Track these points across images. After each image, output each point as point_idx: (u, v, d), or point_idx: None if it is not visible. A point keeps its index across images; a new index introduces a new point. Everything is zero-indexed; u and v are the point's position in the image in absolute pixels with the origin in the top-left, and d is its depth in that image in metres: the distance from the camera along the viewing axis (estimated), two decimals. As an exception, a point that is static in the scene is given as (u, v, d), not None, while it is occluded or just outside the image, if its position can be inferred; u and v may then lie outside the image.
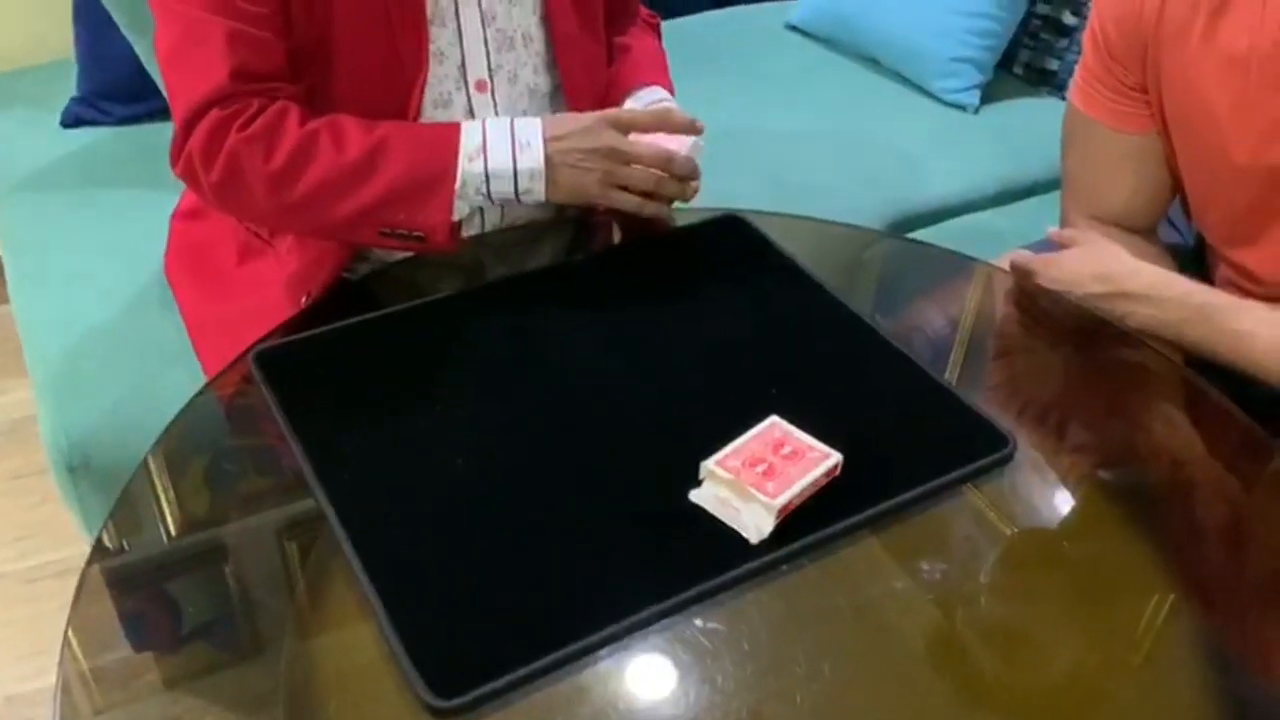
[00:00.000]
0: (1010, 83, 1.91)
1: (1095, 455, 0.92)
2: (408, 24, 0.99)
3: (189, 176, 0.98)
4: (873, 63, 1.93)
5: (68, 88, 1.61)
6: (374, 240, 0.98)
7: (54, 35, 1.69)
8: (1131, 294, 1.03)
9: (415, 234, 0.96)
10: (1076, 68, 1.14)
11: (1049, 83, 1.90)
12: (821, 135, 1.73)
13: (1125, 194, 1.14)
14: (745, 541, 0.77)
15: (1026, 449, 0.87)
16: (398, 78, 1.01)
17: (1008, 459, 0.86)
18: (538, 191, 0.98)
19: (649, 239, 1.10)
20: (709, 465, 0.80)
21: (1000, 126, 1.79)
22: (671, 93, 1.16)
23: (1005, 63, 1.91)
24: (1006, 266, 1.12)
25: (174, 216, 1.23)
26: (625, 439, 0.86)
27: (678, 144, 1.01)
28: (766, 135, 1.74)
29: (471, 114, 1.07)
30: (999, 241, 1.43)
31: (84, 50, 1.57)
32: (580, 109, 1.11)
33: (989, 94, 1.85)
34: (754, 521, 0.78)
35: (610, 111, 1.00)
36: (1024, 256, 1.10)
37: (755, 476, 0.79)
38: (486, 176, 0.96)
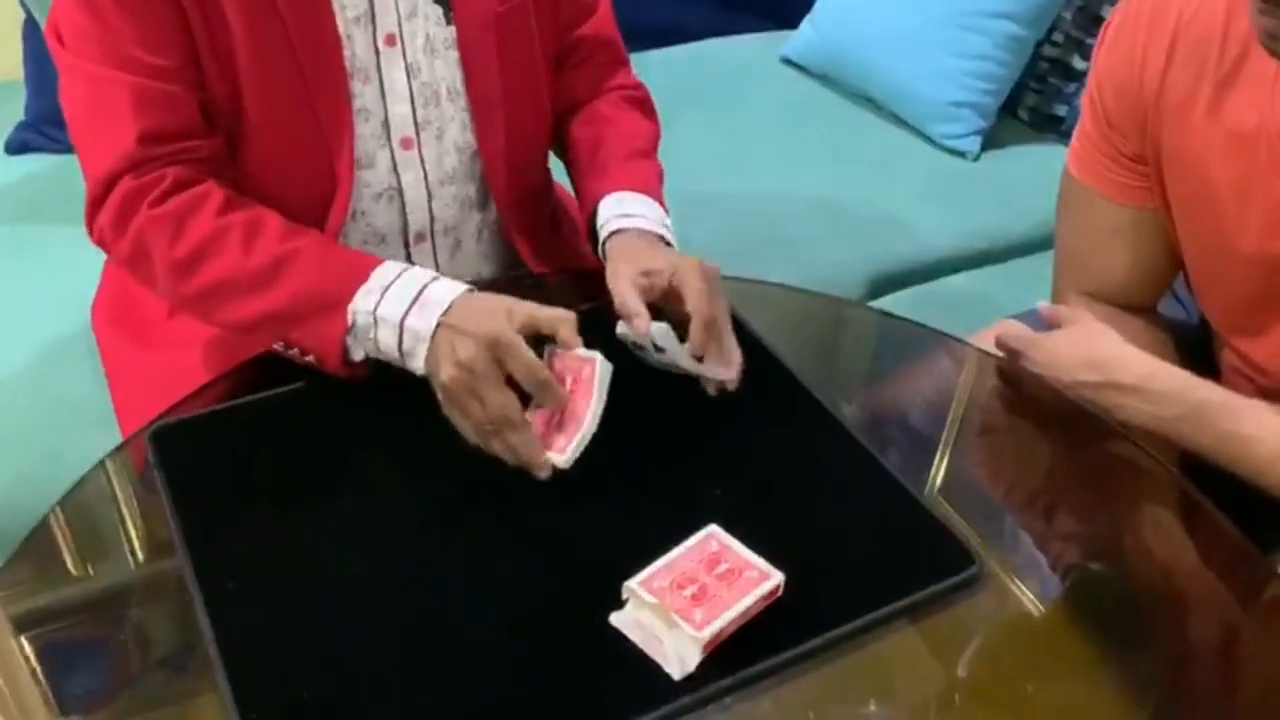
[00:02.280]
0: (1014, 128, 1.82)
1: (1073, 570, 0.83)
2: (325, 81, 0.91)
3: (102, 246, 0.91)
4: (869, 102, 1.85)
5: (16, 112, 1.53)
6: (273, 347, 0.90)
7: (3, 56, 1.63)
8: (1123, 385, 0.94)
9: (307, 357, 0.88)
10: (1075, 132, 1.06)
11: (1055, 129, 1.80)
12: (806, 180, 1.65)
13: (1122, 270, 1.05)
14: (668, 677, 0.69)
15: (997, 566, 0.79)
16: (318, 139, 0.93)
17: (972, 581, 0.77)
18: (418, 356, 0.83)
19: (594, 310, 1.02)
20: (632, 585, 0.72)
21: (1000, 175, 1.70)
22: (652, 182, 1.03)
23: (1010, 106, 1.82)
24: (992, 339, 1.03)
25: (108, 260, 1.16)
26: (546, 544, 0.78)
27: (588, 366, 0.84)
28: (747, 178, 1.66)
29: (395, 172, 0.99)
30: (989, 306, 1.35)
31: (31, 73, 1.50)
32: (497, 179, 1.03)
33: (991, 140, 1.76)
34: (678, 653, 0.69)
35: (522, 304, 0.83)
36: (1010, 334, 1.01)
37: (682, 601, 0.70)
38: (375, 319, 0.83)
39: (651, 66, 1.93)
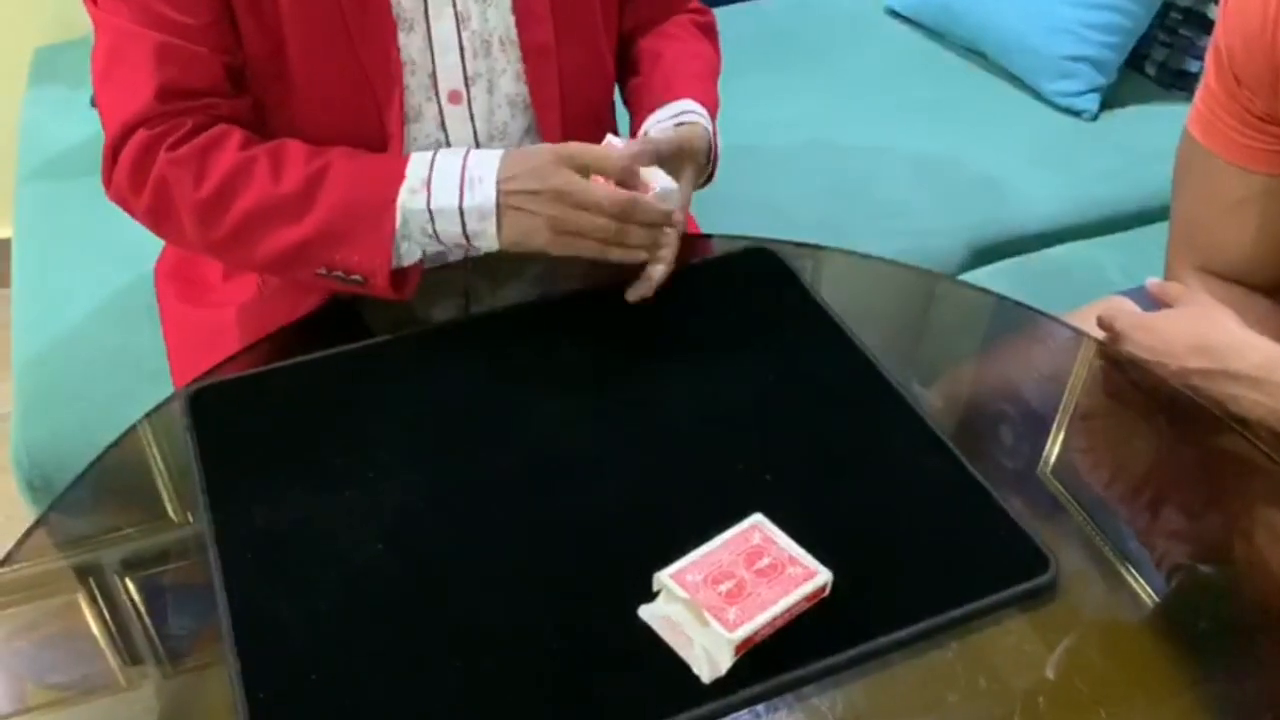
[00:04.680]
0: (1139, 85, 1.68)
1: (1168, 581, 0.74)
2: (370, 30, 0.87)
3: (120, 202, 0.89)
4: (979, 57, 1.72)
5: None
6: (313, 281, 0.87)
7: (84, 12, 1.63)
8: (1238, 375, 0.84)
9: (354, 276, 0.84)
10: (1197, 89, 0.95)
11: (1186, 87, 1.65)
12: (906, 141, 1.54)
13: (1246, 245, 0.94)
14: (696, 679, 0.63)
15: (1079, 573, 0.71)
16: (365, 93, 0.89)
17: (1046, 588, 0.69)
18: (488, 235, 0.83)
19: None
20: (663, 577, 0.66)
21: (1121, 137, 1.56)
22: (710, 105, 0.99)
23: (1135, 61, 1.67)
24: (1094, 317, 0.94)
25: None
26: (580, 528, 0.73)
27: (653, 183, 0.85)
28: (842, 138, 1.56)
29: (444, 128, 0.94)
30: (1098, 280, 1.24)
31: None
32: (550, 128, 0.97)
33: (1111, 99, 1.62)
34: (708, 655, 0.64)
35: (567, 147, 0.83)
36: (1114, 313, 0.92)
37: (715, 598, 0.65)
38: (430, 214, 0.83)
39: (745, 16, 1.85)
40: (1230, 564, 0.75)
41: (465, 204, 0.82)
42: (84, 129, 1.48)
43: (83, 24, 1.73)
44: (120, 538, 0.76)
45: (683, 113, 0.95)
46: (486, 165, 0.83)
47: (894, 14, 1.85)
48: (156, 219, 0.88)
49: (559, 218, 0.81)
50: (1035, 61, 1.62)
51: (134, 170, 0.85)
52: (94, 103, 1.38)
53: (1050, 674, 0.66)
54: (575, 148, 0.83)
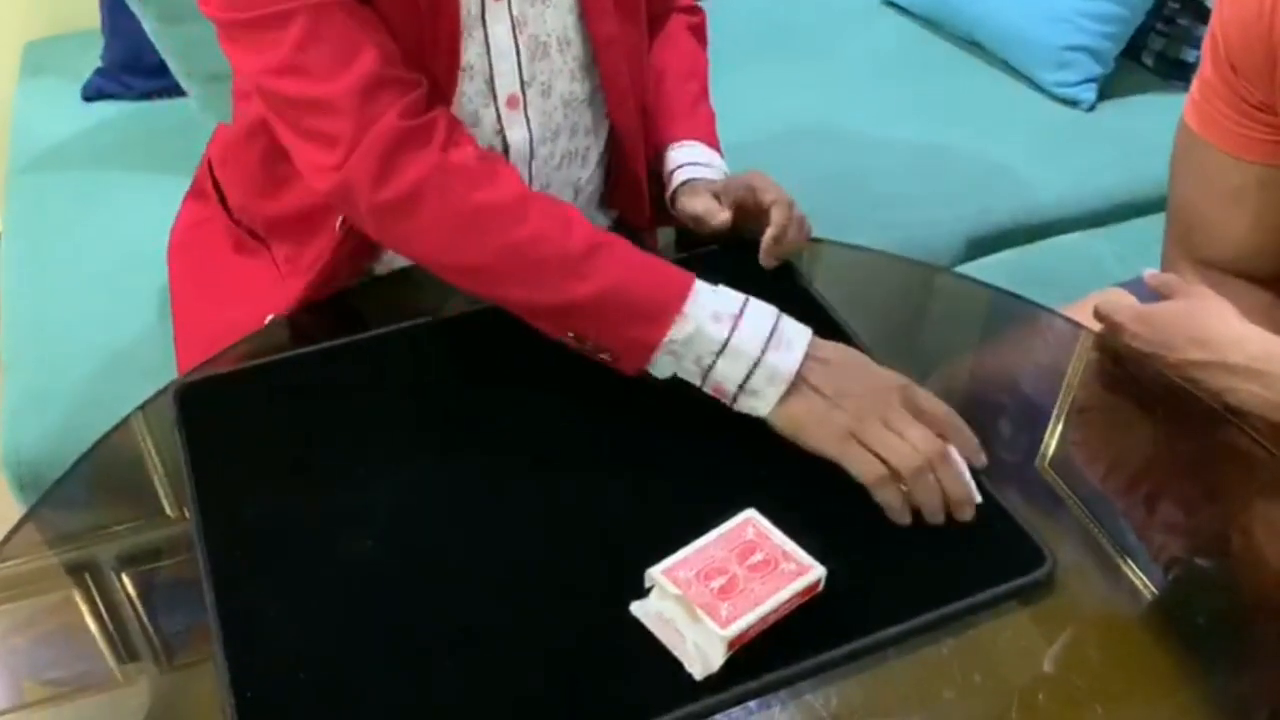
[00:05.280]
0: (1136, 75, 1.67)
1: (1166, 575, 0.73)
2: (441, 36, 0.84)
3: (350, 187, 0.79)
4: (975, 47, 1.72)
5: (93, 59, 1.54)
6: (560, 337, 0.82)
7: (84, 4, 1.63)
8: (1236, 366, 0.83)
9: (602, 355, 0.80)
10: (1193, 79, 0.94)
11: (1184, 77, 1.64)
12: (902, 132, 1.54)
13: (1243, 236, 0.93)
14: (688, 676, 0.63)
15: (1076, 567, 0.70)
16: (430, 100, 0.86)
17: (1042, 582, 0.69)
18: (766, 399, 0.75)
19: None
20: (655, 573, 0.66)
21: (1119, 128, 1.56)
22: (710, 131, 1.02)
23: (1133, 51, 1.66)
24: (1092, 309, 0.93)
25: (187, 196, 1.14)
26: (571, 523, 0.72)
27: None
28: (837, 129, 1.55)
29: (501, 133, 0.93)
30: (1096, 272, 1.24)
31: (108, 19, 1.50)
32: (622, 115, 0.97)
33: (1109, 89, 1.61)
34: (700, 651, 0.63)
35: (904, 381, 0.77)
36: (1111, 305, 0.91)
37: (708, 595, 0.64)
38: (724, 346, 0.75)
39: (740, 6, 1.84)
40: (1228, 557, 0.75)
41: (766, 357, 0.75)
42: (75, 123, 1.48)
43: (73, 18, 1.73)
44: (112, 534, 0.76)
45: (693, 164, 0.98)
46: (798, 334, 0.77)
47: (890, 4, 1.85)
48: (398, 215, 0.80)
49: (865, 427, 0.73)
50: (1032, 52, 1.61)
51: (386, 158, 0.78)
52: (87, 95, 1.33)
53: (1047, 669, 0.65)
54: (915, 390, 0.76)
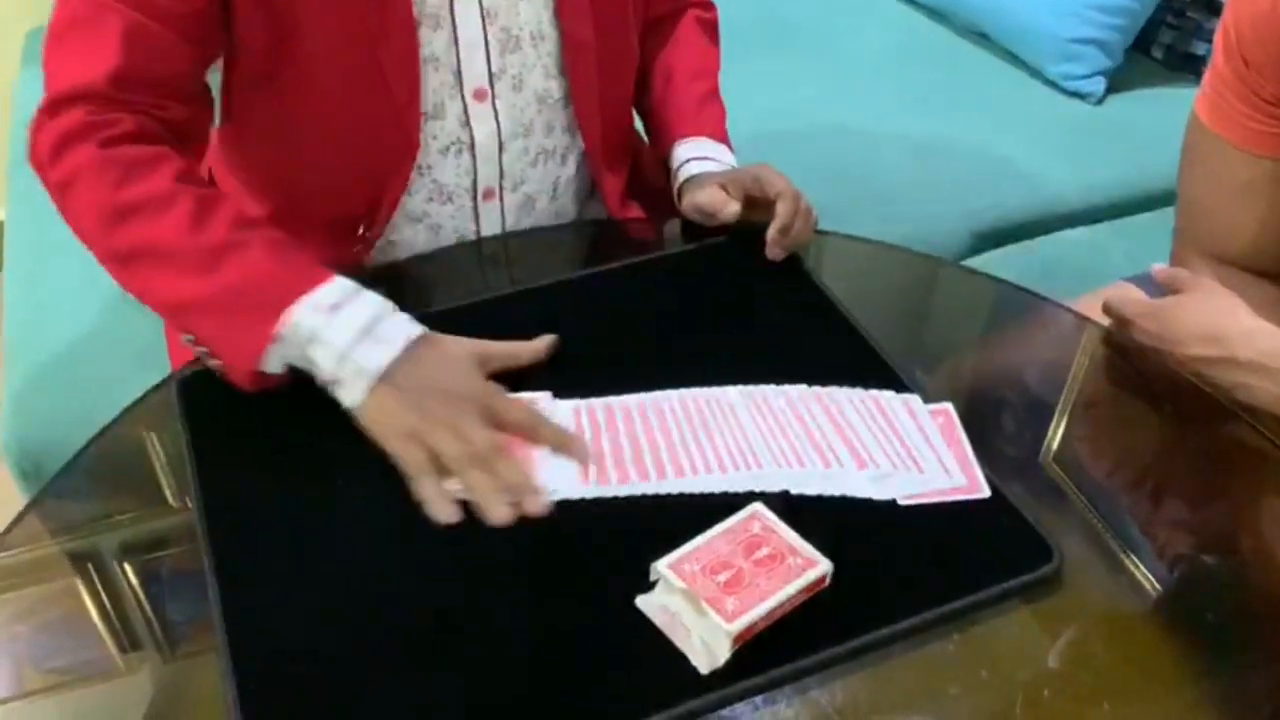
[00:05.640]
0: (1146, 68, 1.66)
1: (1175, 571, 0.73)
2: (389, 28, 0.84)
3: (38, 165, 0.83)
4: (982, 39, 1.71)
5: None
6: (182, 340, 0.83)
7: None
8: (1245, 362, 0.83)
9: (214, 360, 0.80)
10: (1204, 72, 0.93)
11: (1194, 70, 1.64)
12: (908, 125, 1.53)
13: (1253, 231, 0.93)
14: (694, 671, 0.63)
15: (1084, 563, 0.70)
16: (381, 91, 0.86)
17: (1049, 578, 0.68)
18: (353, 392, 0.75)
19: (654, 259, 0.96)
20: (660, 566, 0.65)
21: (1127, 121, 1.55)
22: (719, 125, 1.03)
23: (1142, 44, 1.65)
24: (1100, 304, 0.93)
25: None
26: (576, 516, 0.72)
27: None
28: (848, 121, 1.54)
29: (468, 124, 0.92)
30: (1105, 264, 1.23)
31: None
32: (590, 123, 0.97)
33: (1117, 82, 1.60)
34: (706, 646, 0.63)
35: (490, 393, 0.77)
36: (1120, 299, 0.91)
37: (714, 589, 0.64)
38: (313, 336, 0.75)
39: (746, -1, 1.83)
40: (1236, 554, 0.74)
41: (355, 351, 0.74)
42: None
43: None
44: (114, 523, 0.76)
45: (701, 158, 0.99)
46: (400, 330, 0.76)
47: (897, -5, 1.84)
48: (62, 197, 0.82)
49: (430, 428, 0.73)
50: (1040, 44, 1.60)
51: (59, 144, 0.80)
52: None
53: (1053, 665, 0.65)
54: (495, 398, 0.76)
